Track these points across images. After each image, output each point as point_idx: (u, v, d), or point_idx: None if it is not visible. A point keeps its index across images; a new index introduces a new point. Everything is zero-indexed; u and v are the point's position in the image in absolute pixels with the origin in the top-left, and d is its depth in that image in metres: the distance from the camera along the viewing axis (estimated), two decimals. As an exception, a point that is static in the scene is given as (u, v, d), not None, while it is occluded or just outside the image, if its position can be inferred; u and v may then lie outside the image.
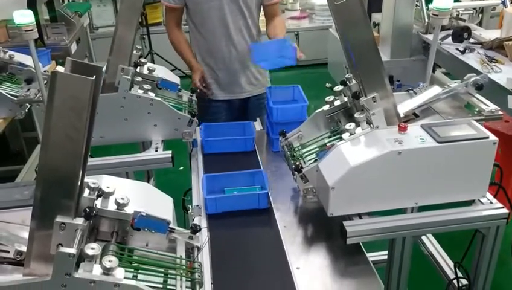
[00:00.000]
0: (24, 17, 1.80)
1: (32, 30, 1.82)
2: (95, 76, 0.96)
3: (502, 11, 3.62)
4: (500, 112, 1.78)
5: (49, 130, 0.98)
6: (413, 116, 1.76)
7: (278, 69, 2.16)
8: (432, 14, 1.79)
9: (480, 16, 4.08)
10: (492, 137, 1.43)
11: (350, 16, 1.44)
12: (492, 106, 1.77)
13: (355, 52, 1.49)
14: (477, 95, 1.83)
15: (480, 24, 4.01)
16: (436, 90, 1.79)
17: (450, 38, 3.29)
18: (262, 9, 2.47)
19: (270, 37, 2.41)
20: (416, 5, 3.67)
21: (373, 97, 1.51)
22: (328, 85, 1.86)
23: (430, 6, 3.57)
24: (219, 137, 2.08)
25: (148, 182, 2.63)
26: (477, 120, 1.55)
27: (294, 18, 6.09)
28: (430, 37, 3.56)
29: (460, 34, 3.25)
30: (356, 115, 1.54)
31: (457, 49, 3.16)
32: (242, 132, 2.14)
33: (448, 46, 3.24)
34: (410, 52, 3.74)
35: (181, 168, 2.73)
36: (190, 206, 1.65)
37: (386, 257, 2.06)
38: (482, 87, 1.76)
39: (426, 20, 3.62)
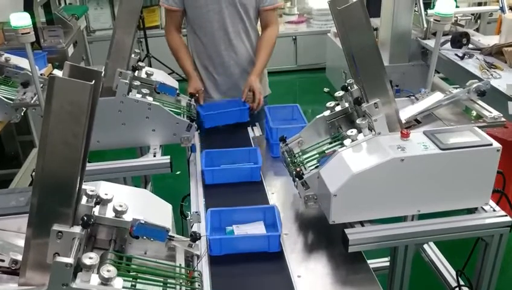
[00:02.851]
0: (21, 19, 1.77)
1: (29, 33, 1.79)
2: (94, 81, 0.93)
3: (500, 17, 3.63)
4: (503, 119, 1.77)
5: (47, 135, 0.95)
6: (415, 122, 1.75)
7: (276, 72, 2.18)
8: (434, 20, 1.78)
9: (478, 21, 4.08)
10: (496, 144, 1.42)
11: (352, 21, 1.43)
12: (495, 113, 1.76)
13: (358, 57, 1.48)
14: (480, 102, 1.82)
15: (477, 30, 4.02)
16: (438, 96, 1.78)
17: (449, 43, 3.29)
18: None
19: (255, 50, 2.42)
20: (415, 11, 3.67)
21: (375, 103, 1.50)
22: (326, 90, 1.85)
23: (429, 11, 3.60)
24: (223, 166, 1.91)
25: (145, 187, 2.60)
26: (479, 127, 1.53)
27: (292, 22, 6.08)
28: (428, 42, 3.56)
29: (459, 39, 3.24)
30: (358, 121, 1.52)
31: (456, 54, 3.15)
32: (247, 159, 1.96)
33: (447, 52, 3.24)
34: (408, 58, 3.74)
35: (178, 172, 2.71)
36: (189, 212, 1.62)
37: (386, 264, 2.07)
38: (484, 93, 1.75)
39: (425, 25, 3.62)
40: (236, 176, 1.84)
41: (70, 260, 0.97)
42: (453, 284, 1.91)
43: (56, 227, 1.01)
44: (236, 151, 1.96)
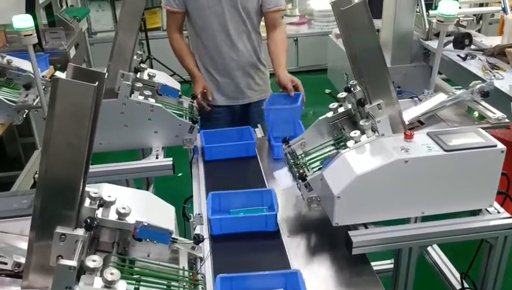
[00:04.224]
0: (23, 21, 1.77)
1: (31, 35, 1.79)
2: (97, 82, 0.93)
3: (502, 18, 3.62)
4: (507, 120, 1.76)
5: (50, 137, 0.95)
6: (418, 123, 1.74)
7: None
8: (437, 20, 1.77)
9: (480, 22, 4.07)
10: (500, 145, 1.41)
11: (355, 22, 1.42)
12: (499, 114, 1.76)
13: (361, 58, 1.47)
14: (483, 102, 1.81)
15: (479, 31, 4.01)
16: (441, 97, 1.77)
17: (451, 44, 3.29)
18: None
19: (270, 53, 2.41)
20: (417, 11, 3.67)
21: (378, 104, 1.49)
22: (327, 91, 1.84)
23: (431, 12, 3.59)
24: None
25: (147, 189, 2.60)
26: (483, 128, 1.53)
27: (294, 24, 6.08)
28: (430, 43, 3.56)
29: (461, 40, 3.24)
30: (361, 123, 1.52)
31: (458, 55, 3.15)
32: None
33: (449, 53, 3.23)
34: (410, 59, 3.73)
35: (180, 174, 2.70)
36: (191, 214, 1.61)
37: (390, 266, 2.06)
38: (488, 94, 1.74)
39: (427, 26, 3.61)
40: (249, 224, 1.59)
41: (73, 263, 0.97)
42: (458, 286, 1.90)
43: (59, 229, 1.01)
44: (248, 193, 1.71)
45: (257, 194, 1.67)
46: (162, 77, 2.15)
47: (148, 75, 2.06)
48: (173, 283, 1.18)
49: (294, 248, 1.52)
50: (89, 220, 1.04)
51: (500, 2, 3.62)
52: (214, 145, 2.04)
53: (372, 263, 1.48)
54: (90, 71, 0.99)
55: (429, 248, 2.16)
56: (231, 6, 2.31)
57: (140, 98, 1.92)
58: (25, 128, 3.46)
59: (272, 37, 2.45)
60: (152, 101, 1.94)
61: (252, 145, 2.04)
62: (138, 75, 2.02)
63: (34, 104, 2.23)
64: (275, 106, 2.16)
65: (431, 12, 3.63)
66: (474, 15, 4.03)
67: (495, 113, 1.77)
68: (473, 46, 3.27)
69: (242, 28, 2.38)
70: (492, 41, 3.28)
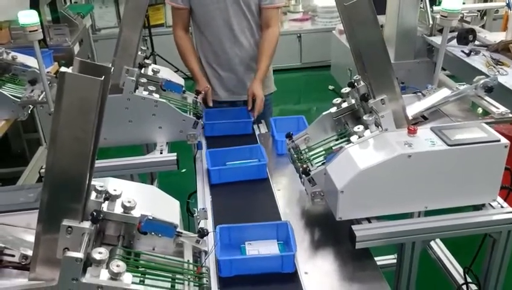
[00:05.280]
0: (29, 17, 1.78)
1: (36, 30, 1.80)
2: (103, 76, 0.94)
3: (506, 14, 3.61)
4: (510, 115, 1.76)
5: (57, 131, 0.96)
6: (421, 118, 1.74)
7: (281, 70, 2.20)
8: (441, 16, 1.77)
9: (484, 18, 4.06)
10: (504, 140, 1.42)
11: (359, 17, 1.42)
12: (502, 109, 1.76)
13: (364, 53, 1.47)
14: (487, 98, 1.81)
15: (483, 26, 3.99)
16: (445, 92, 1.77)
17: (455, 40, 3.27)
18: None
19: (258, 56, 2.40)
20: (421, 7, 3.65)
21: (382, 99, 1.49)
22: (331, 87, 1.85)
23: (435, 8, 3.58)
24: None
25: (152, 184, 2.61)
26: (487, 123, 1.53)
27: (297, 20, 6.07)
28: (434, 39, 3.55)
29: (465, 36, 3.22)
30: (365, 118, 1.52)
31: (462, 51, 3.14)
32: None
33: (453, 49, 3.22)
34: (414, 55, 3.72)
35: (184, 170, 2.71)
36: (196, 209, 1.62)
37: (393, 261, 2.06)
38: (492, 89, 1.74)
39: (431, 22, 3.60)
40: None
41: (80, 255, 0.98)
42: (461, 281, 1.90)
43: (66, 222, 1.02)
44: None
45: (271, 227, 1.52)
46: (166, 73, 2.15)
47: (153, 70, 2.06)
48: (178, 276, 1.19)
49: (298, 243, 1.52)
50: (95, 213, 1.05)
51: (504, -2, 3.60)
52: (222, 168, 1.90)
53: (376, 258, 1.49)
54: (96, 65, 1.00)
55: (432, 243, 2.17)
56: (234, 2, 2.31)
57: (145, 93, 1.93)
58: (30, 124, 3.48)
59: (262, 36, 2.42)
60: (156, 96, 1.95)
61: (263, 167, 1.88)
62: (142, 71, 2.02)
63: (40, 99, 2.25)
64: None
65: (435, 8, 3.61)
66: (479, 11, 4.01)
67: (499, 108, 1.77)
68: (477, 42, 3.25)
69: (245, 24, 2.38)
70: (496, 37, 3.27)
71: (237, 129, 2.21)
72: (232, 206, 1.71)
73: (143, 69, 2.03)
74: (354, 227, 1.42)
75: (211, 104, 2.41)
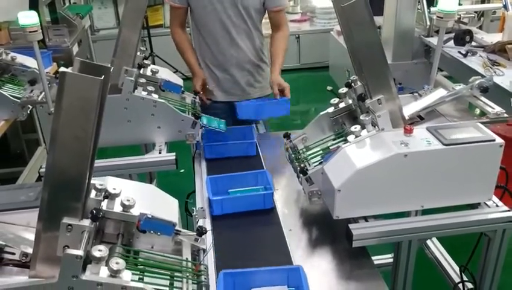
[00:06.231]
0: (29, 18, 1.79)
1: (36, 31, 1.81)
2: (103, 76, 0.95)
3: (503, 15, 3.62)
4: (505, 115, 1.78)
5: (57, 130, 0.97)
6: (418, 118, 1.76)
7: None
8: (437, 17, 1.79)
9: (481, 19, 4.08)
10: (499, 140, 1.43)
11: (356, 18, 1.44)
12: (497, 108, 1.77)
13: (361, 54, 1.49)
14: (482, 98, 1.82)
15: (480, 28, 4.01)
16: (441, 92, 1.79)
17: (452, 41, 3.30)
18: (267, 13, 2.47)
19: (270, 52, 2.45)
20: (418, 8, 3.67)
21: (378, 99, 1.51)
22: (329, 88, 1.85)
23: (432, 9, 3.60)
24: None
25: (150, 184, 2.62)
26: (482, 123, 1.54)
27: (295, 21, 6.09)
28: (432, 40, 3.57)
29: (462, 37, 3.25)
30: (361, 117, 1.54)
31: (459, 52, 3.16)
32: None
33: (450, 49, 3.24)
34: (411, 56, 3.74)
35: (182, 170, 2.72)
36: (194, 208, 1.64)
37: (390, 260, 2.08)
38: (487, 90, 1.76)
39: (428, 23, 3.62)
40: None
41: (80, 252, 0.99)
42: (457, 279, 1.92)
43: (66, 220, 1.03)
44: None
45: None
46: (164, 73, 2.17)
47: (151, 71, 2.08)
48: (176, 274, 1.20)
49: (296, 241, 1.54)
50: (94, 211, 1.06)
51: (501, -1, 3.62)
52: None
53: (373, 258, 1.50)
54: (96, 65, 1.01)
55: (429, 242, 2.18)
56: (232, 5, 2.33)
57: (144, 93, 1.94)
58: (29, 124, 3.49)
59: (273, 36, 2.49)
60: (155, 96, 1.96)
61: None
62: (141, 71, 2.04)
63: (39, 99, 2.26)
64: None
65: (432, 9, 3.63)
66: (476, 12, 4.03)
67: (494, 108, 1.78)
68: (473, 43, 3.28)
69: (242, 27, 2.40)
70: (493, 38, 3.29)
71: (240, 150, 2.04)
72: (236, 244, 1.54)
73: (142, 69, 2.04)
74: (351, 226, 1.43)
75: (207, 103, 2.42)
